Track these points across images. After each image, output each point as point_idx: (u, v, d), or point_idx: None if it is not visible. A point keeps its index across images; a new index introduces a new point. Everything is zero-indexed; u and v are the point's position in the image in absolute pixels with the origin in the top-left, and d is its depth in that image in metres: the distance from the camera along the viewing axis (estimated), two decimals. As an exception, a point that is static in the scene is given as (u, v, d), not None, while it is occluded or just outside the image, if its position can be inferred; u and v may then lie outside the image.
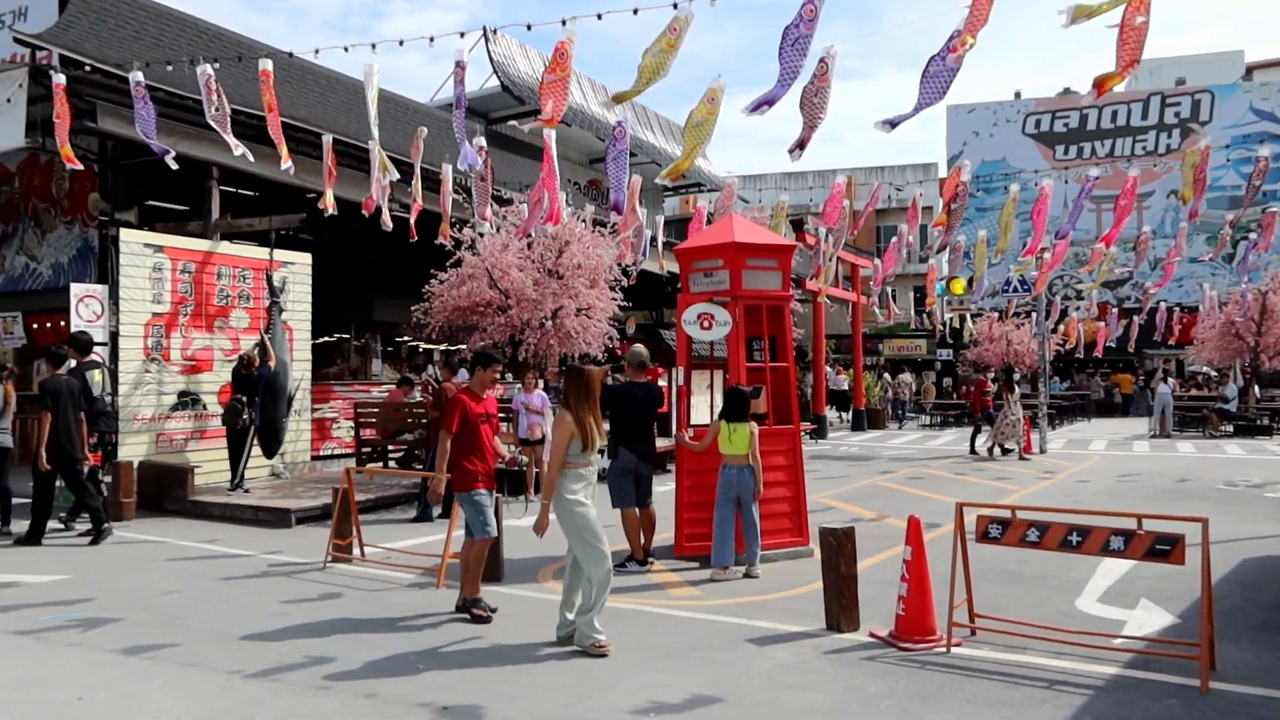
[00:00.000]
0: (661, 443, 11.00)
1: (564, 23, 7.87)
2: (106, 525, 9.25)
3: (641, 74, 6.91)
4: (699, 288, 8.46)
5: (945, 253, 14.74)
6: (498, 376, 6.85)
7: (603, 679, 5.10)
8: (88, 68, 10.69)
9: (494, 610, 6.30)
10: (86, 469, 9.34)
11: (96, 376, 10.22)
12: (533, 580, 7.46)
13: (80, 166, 10.58)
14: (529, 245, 13.62)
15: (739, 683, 5.03)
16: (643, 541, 7.94)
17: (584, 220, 14.28)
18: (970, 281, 21.51)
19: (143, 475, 10.86)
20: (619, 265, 14.27)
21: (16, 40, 11.28)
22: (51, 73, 10.10)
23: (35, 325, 15.33)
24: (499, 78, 24.33)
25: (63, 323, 12.87)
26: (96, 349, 11.02)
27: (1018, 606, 6.36)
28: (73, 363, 9.83)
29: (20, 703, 4.74)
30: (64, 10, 13.86)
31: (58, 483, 9.42)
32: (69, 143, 9.99)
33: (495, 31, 8.27)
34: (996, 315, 29.79)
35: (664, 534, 8.51)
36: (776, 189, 35.34)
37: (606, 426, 7.56)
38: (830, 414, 27.18)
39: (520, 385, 12.48)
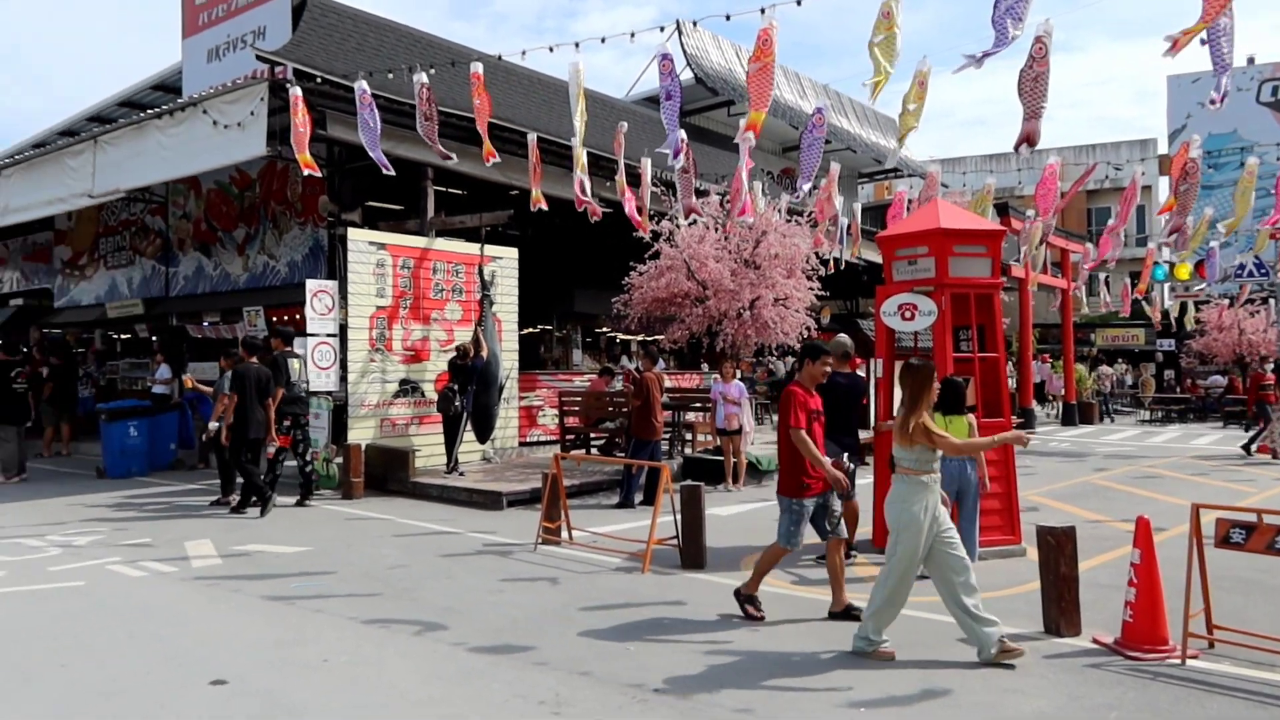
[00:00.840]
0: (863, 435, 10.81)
1: (762, 11, 7.85)
2: (260, 500, 10.11)
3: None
4: (902, 276, 8.23)
5: (1173, 237, 13.63)
6: (828, 370, 6.42)
7: (809, 670, 5.08)
8: (318, 79, 11.60)
9: (763, 615, 6.03)
10: (273, 449, 10.40)
11: (295, 365, 11.09)
12: (735, 569, 7.51)
13: (318, 172, 11.49)
14: (725, 236, 13.68)
15: (955, 683, 4.89)
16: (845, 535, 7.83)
17: (780, 210, 14.18)
18: (1198, 266, 19.77)
19: (369, 457, 11.71)
20: (816, 254, 14.08)
21: (258, 57, 12.37)
22: (288, 85, 11.01)
23: (275, 318, 16.80)
24: (693, 70, 24.50)
25: (298, 316, 14.05)
26: (329, 339, 12.00)
27: (1263, 619, 5.83)
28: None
29: (280, 662, 5.25)
30: (297, 28, 15.12)
31: (286, 460, 10.59)
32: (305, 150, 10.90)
33: (695, 24, 8.31)
34: (1226, 302, 27.28)
35: (864, 528, 8.37)
36: (978, 172, 33.77)
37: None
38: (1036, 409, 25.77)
39: (718, 375, 12.57)
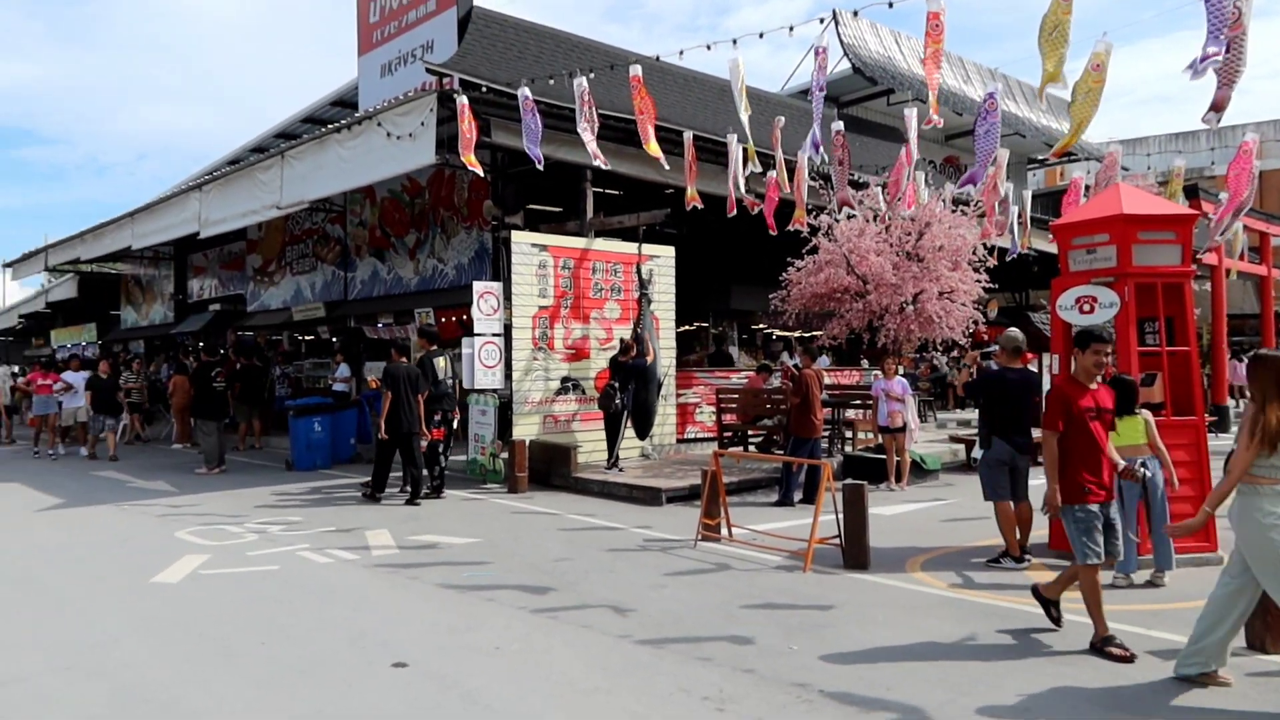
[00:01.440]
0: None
1: (929, -5, 7.60)
2: (426, 491, 10.99)
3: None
4: (1079, 266, 7.78)
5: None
6: (1105, 360, 5.74)
7: (976, 675, 4.88)
8: (483, 88, 11.99)
9: (1132, 655, 5.13)
10: (426, 442, 11.11)
11: (441, 363, 11.76)
12: (899, 569, 7.31)
13: (481, 172, 11.91)
14: (886, 229, 13.32)
15: (1145, 699, 4.59)
16: (1018, 537, 7.50)
17: (944, 200, 13.69)
18: None
19: (533, 453, 12.05)
20: (983, 245, 13.52)
21: (427, 70, 12.92)
22: (455, 95, 11.46)
23: (443, 319, 17.55)
24: (850, 60, 23.98)
25: (465, 316, 14.61)
26: (495, 338, 12.42)
27: None
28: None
29: (455, 648, 5.48)
30: (462, 40, 15.72)
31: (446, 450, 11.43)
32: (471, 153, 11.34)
33: (856, 14, 8.12)
34: None
35: (1039, 530, 7.98)
36: (1164, 153, 31.57)
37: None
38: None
39: (879, 371, 12.26)
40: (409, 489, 10.93)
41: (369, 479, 11.35)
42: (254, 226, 21.57)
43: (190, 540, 8.68)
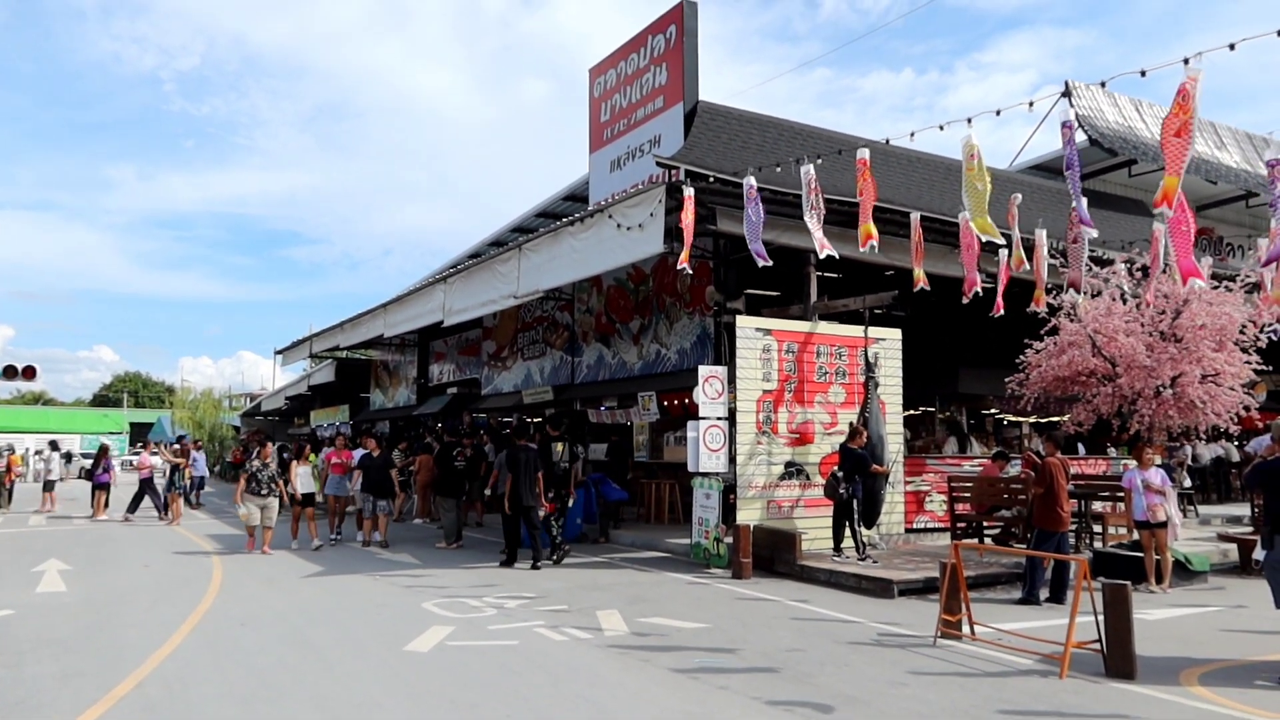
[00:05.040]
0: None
1: (1186, 61, 7.16)
2: (546, 559, 12.52)
3: None
4: (1384, 345, 6.92)
5: None
6: None
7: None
8: (710, 179, 12.35)
9: None
10: (541, 515, 12.65)
11: (557, 448, 13.64)
12: (1170, 682, 6.60)
13: (690, 270, 12.15)
14: (1137, 307, 12.42)
15: None
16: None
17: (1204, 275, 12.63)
18: None
19: (756, 538, 11.91)
20: (1255, 324, 12.32)
21: (657, 163, 13.48)
22: (683, 186, 11.85)
23: (665, 402, 17.88)
24: (1086, 132, 22.88)
25: (687, 400, 14.83)
26: (719, 422, 12.50)
27: None
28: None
29: (691, 734, 5.42)
30: (689, 133, 16.30)
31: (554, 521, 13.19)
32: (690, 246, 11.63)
33: (1104, 85, 7.75)
34: None
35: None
36: None
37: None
38: None
39: (1131, 461, 11.31)
40: (542, 555, 12.51)
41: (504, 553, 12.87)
42: (489, 315, 22.98)
43: (436, 612, 9.15)
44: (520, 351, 24.34)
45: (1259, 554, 7.41)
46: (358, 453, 16.27)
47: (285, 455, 17.58)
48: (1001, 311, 12.08)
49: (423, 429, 27.26)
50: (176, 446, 25.41)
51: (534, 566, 12.23)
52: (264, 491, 14.13)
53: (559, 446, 13.55)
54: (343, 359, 33.80)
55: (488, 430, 20.56)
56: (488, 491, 13.42)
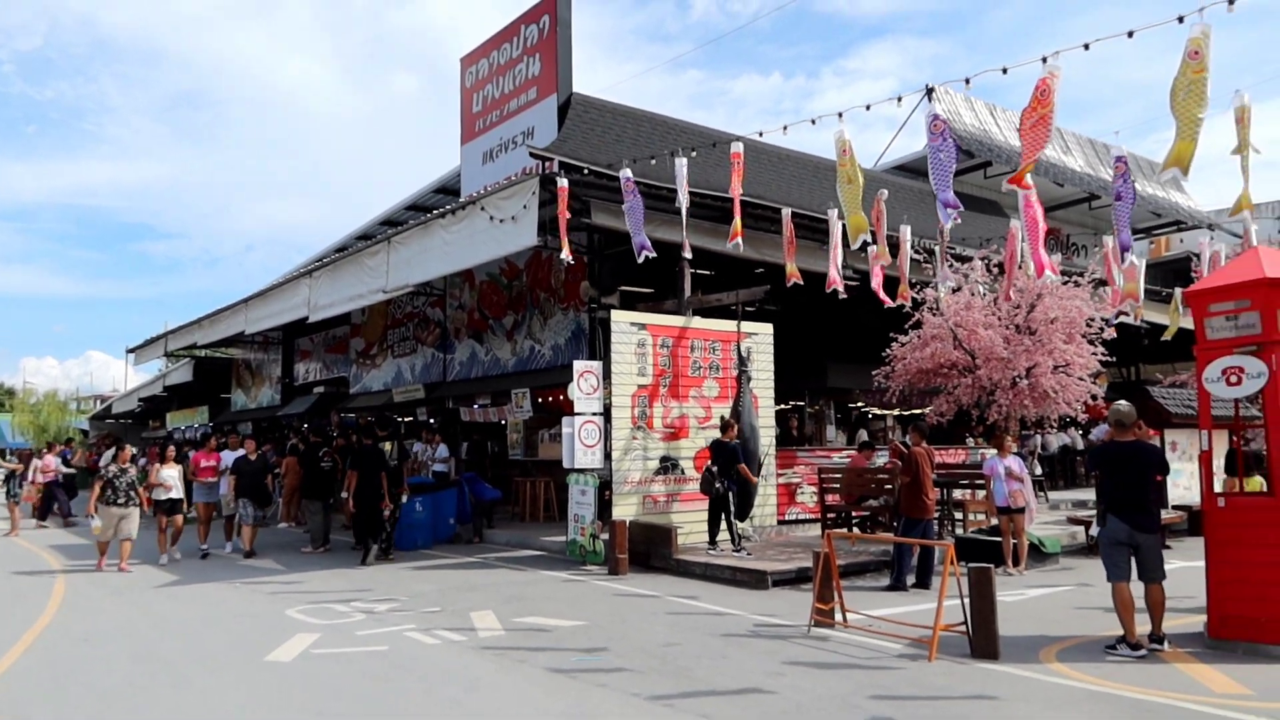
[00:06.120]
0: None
1: (1044, 60, 7.46)
2: (371, 554, 12.80)
3: (1181, 125, 6.08)
4: (1218, 334, 7.36)
5: None
6: None
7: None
8: (584, 170, 12.22)
9: None
10: (388, 512, 13.08)
11: (386, 446, 14.28)
12: (1032, 660, 6.85)
13: (571, 260, 12.04)
14: (994, 301, 12.97)
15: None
16: (1151, 625, 7.01)
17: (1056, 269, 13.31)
18: None
19: (633, 534, 11.86)
20: (1100, 318, 13.03)
21: (531, 154, 13.25)
22: (557, 178, 11.70)
23: (540, 399, 17.67)
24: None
25: (562, 396, 14.67)
26: (595, 417, 12.40)
27: None
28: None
29: (569, 735, 5.28)
30: (562, 126, 16.14)
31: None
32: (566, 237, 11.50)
33: (967, 82, 8.00)
34: None
35: (1187, 617, 7.43)
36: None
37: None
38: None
39: (992, 449, 11.80)
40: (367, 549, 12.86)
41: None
42: (358, 311, 22.25)
43: (300, 619, 8.72)
44: (390, 349, 23.67)
45: (1094, 530, 7.77)
46: (227, 454, 15.07)
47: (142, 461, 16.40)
48: (889, 304, 12.41)
49: (288, 430, 26.19)
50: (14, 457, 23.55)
51: (362, 562, 12.59)
52: (122, 500, 12.38)
53: (388, 445, 13.76)
54: (201, 358, 32.13)
55: (357, 430, 19.95)
56: (345, 494, 13.49)
